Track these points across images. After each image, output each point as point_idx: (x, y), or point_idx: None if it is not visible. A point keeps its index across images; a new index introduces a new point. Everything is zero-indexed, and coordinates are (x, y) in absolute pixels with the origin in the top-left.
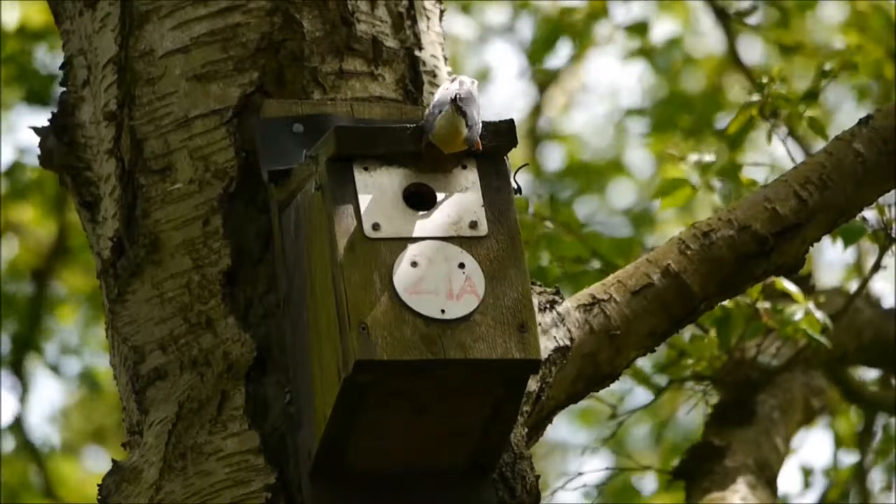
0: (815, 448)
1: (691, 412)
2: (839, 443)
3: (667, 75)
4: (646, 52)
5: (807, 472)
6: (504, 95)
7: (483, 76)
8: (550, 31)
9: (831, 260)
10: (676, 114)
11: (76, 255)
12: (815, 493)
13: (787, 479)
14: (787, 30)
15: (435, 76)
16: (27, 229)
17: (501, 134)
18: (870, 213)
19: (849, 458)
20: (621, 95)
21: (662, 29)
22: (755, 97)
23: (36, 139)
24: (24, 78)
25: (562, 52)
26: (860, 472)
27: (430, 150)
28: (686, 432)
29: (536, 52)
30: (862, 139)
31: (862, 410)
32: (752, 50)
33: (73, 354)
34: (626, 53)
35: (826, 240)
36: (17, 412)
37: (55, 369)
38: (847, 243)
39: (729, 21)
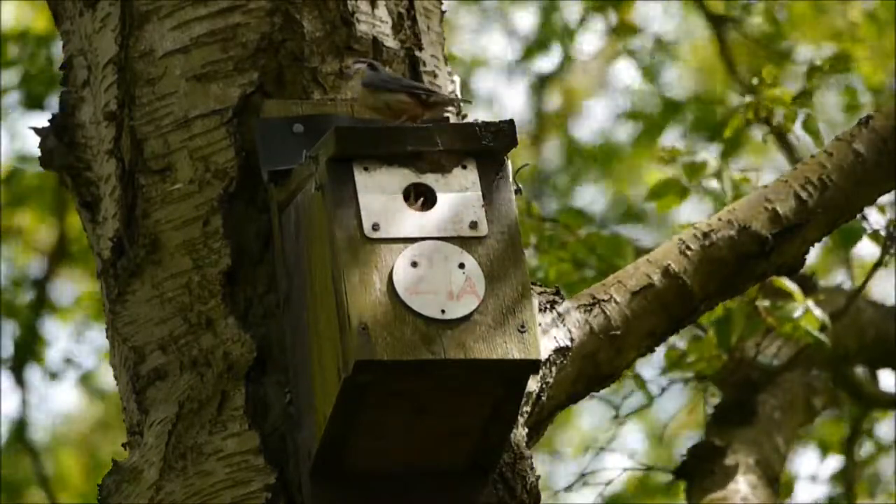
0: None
1: (692, 412)
2: (825, 449)
3: (653, 75)
4: (632, 53)
5: (788, 481)
6: (501, 86)
7: (479, 64)
8: (544, 34)
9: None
10: (667, 119)
11: (77, 259)
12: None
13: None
14: (780, 38)
15: (435, 76)
16: (27, 233)
17: (501, 134)
18: (871, 213)
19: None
20: (614, 96)
21: (655, 30)
22: (748, 98)
23: (36, 142)
24: (25, 82)
25: (555, 52)
26: (847, 477)
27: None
28: (687, 432)
29: (530, 52)
30: (862, 139)
31: (858, 411)
32: (744, 56)
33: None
34: (615, 53)
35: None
36: (18, 414)
37: (55, 375)
38: (847, 245)
39: (721, 26)
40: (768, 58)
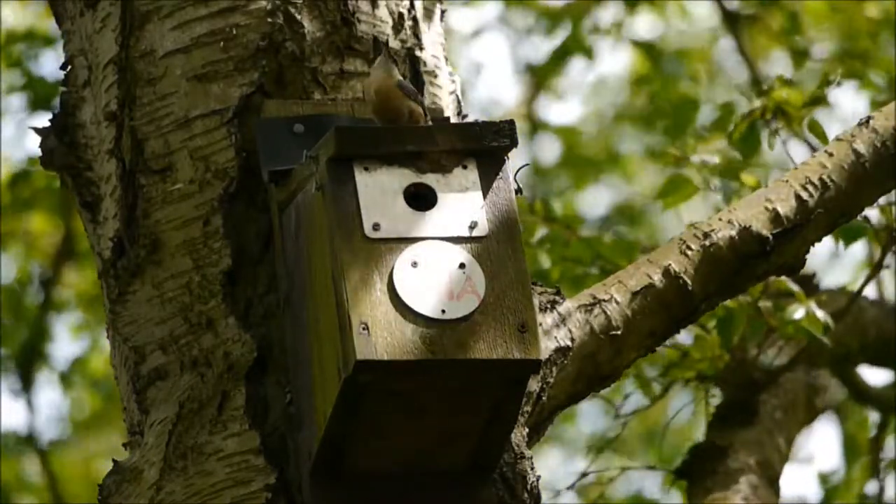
0: (824, 450)
1: (694, 412)
2: (851, 446)
3: (673, 81)
4: (654, 61)
5: (824, 479)
6: (497, 88)
7: (476, 69)
8: (561, 49)
9: (835, 259)
10: (687, 117)
11: (82, 261)
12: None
13: (801, 483)
14: (799, 35)
15: (436, 76)
16: (33, 235)
17: (502, 134)
18: (872, 213)
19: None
20: (617, 90)
21: (666, 27)
22: (757, 102)
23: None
24: (30, 84)
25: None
26: (875, 475)
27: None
28: (688, 432)
29: (547, 68)
30: (862, 139)
31: (872, 411)
32: (761, 53)
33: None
34: (634, 75)
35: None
36: (24, 416)
37: (64, 378)
38: (847, 242)
39: (738, 24)
40: (786, 55)
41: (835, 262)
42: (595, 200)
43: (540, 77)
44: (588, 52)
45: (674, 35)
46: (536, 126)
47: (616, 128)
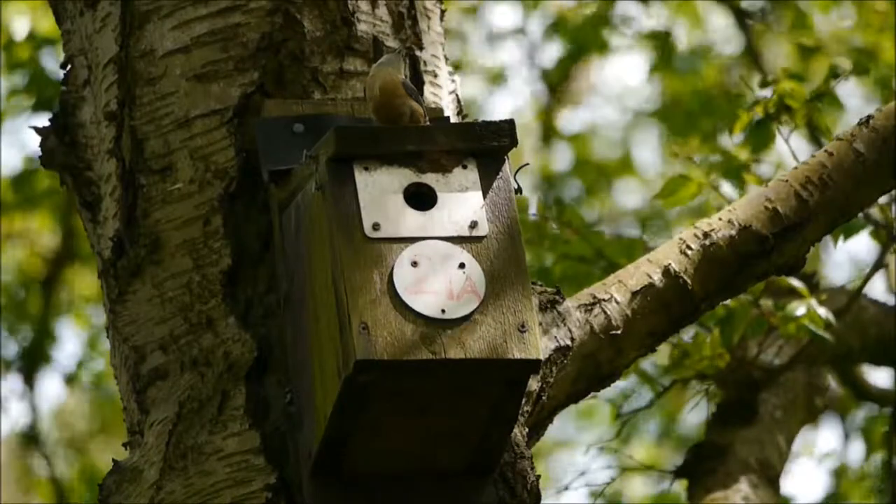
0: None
1: (694, 411)
2: (869, 442)
3: (687, 79)
4: (667, 59)
5: (840, 471)
6: (514, 96)
7: (494, 78)
8: (572, 50)
9: (839, 259)
10: (697, 116)
11: (83, 262)
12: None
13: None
14: (807, 30)
15: (435, 76)
16: (34, 236)
17: (502, 133)
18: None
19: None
20: (632, 94)
21: (677, 30)
22: (761, 94)
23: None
24: (33, 85)
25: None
26: (889, 471)
27: (378, 110)
28: (690, 431)
29: (558, 72)
30: (862, 139)
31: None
32: (772, 51)
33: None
34: (649, 66)
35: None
36: (27, 417)
37: (69, 380)
38: (847, 237)
39: (748, 22)
40: (795, 51)
41: (846, 265)
42: (614, 205)
43: (556, 78)
44: (604, 46)
45: (686, 36)
46: (552, 134)
47: (633, 131)
